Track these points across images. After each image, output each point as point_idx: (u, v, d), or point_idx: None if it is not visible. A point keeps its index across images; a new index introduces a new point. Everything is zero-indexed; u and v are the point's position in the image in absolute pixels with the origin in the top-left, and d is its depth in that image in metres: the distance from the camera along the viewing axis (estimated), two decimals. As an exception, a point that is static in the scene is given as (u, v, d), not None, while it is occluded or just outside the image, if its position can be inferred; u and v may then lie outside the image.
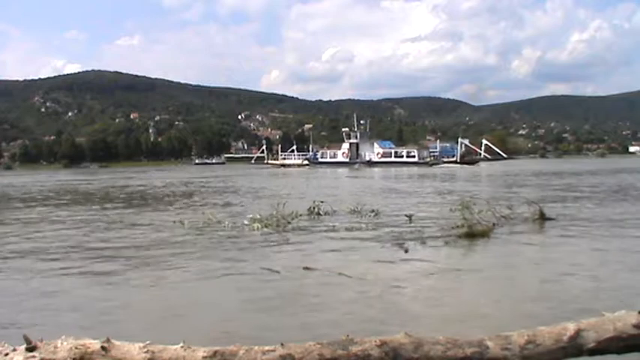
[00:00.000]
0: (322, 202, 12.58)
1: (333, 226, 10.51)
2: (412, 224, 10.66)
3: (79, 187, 32.40)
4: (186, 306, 5.37)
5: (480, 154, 64.76)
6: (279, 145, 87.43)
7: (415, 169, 52.20)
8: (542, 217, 10.76)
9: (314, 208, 12.23)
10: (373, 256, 7.70)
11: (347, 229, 10.18)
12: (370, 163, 64.49)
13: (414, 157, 64.92)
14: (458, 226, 9.34)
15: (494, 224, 9.79)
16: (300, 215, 11.65)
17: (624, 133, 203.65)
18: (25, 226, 12.32)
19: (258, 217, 11.11)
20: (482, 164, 60.01)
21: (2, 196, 26.44)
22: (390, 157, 66.02)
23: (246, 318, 4.86)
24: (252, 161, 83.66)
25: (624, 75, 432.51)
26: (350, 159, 67.70)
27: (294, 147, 76.90)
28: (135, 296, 5.84)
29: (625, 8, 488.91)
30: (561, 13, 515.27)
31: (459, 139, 66.91)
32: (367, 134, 71.97)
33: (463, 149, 65.15)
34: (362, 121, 73.16)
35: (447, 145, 69.14)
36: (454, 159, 61.84)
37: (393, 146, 72.06)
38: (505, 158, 65.68)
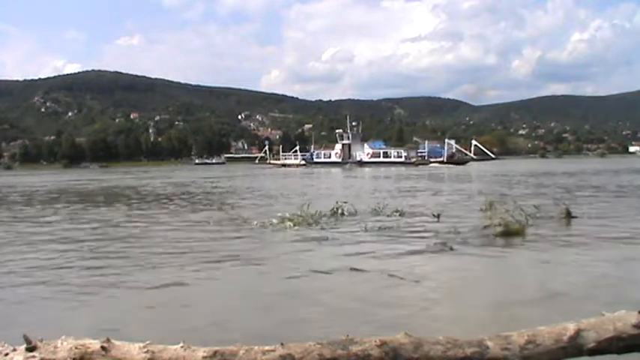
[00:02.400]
0: (345, 202, 12.54)
1: (365, 226, 10.34)
2: (441, 223, 10.62)
3: (88, 188, 32.40)
4: (252, 309, 5.12)
5: (466, 154, 66.79)
6: (280, 146, 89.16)
7: (403, 169, 54.24)
8: (569, 216, 10.92)
9: (337, 208, 12.19)
10: (418, 255, 7.53)
11: (380, 229, 10.04)
12: (361, 163, 67.01)
13: (401, 157, 68.11)
14: (493, 225, 9.26)
15: (524, 223, 9.74)
16: (324, 215, 11.58)
17: (624, 133, 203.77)
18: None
19: (288, 216, 10.97)
20: (472, 164, 61.13)
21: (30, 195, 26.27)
22: (379, 157, 68.73)
23: (318, 320, 4.63)
24: (257, 161, 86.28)
25: (624, 75, 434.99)
26: (342, 159, 70.29)
27: (297, 147, 79.04)
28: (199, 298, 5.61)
29: (625, 8, 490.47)
30: (562, 13, 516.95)
31: (446, 140, 69.27)
32: (360, 135, 74.61)
33: (453, 149, 67.25)
34: (354, 123, 75.76)
35: (437, 145, 70.82)
36: (441, 159, 63.80)
37: (383, 147, 74.86)
38: (493, 158, 67.97)
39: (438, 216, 11.30)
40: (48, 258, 7.87)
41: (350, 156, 70.50)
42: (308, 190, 24.21)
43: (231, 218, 11.36)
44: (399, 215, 11.78)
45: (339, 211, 12.10)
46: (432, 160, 64.25)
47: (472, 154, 66.28)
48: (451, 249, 7.80)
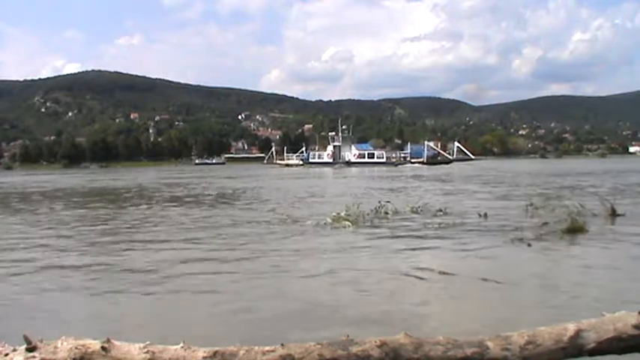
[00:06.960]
0: (388, 201, 12.59)
1: (424, 224, 10.28)
2: (490, 221, 10.59)
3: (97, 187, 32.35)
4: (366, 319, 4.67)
5: (446, 155, 72.70)
6: (284, 147, 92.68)
7: (384, 169, 60.03)
8: (614, 214, 11.01)
9: (380, 207, 12.24)
10: (498, 255, 7.31)
11: (440, 227, 9.96)
12: (349, 164, 74.08)
13: (382, 158, 75.83)
14: (553, 222, 9.36)
15: (584, 221, 9.73)
16: (368, 214, 11.56)
17: (624, 133, 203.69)
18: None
19: (342, 215, 10.93)
20: (451, 165, 64.60)
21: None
22: (364, 158, 76.30)
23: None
24: (265, 161, 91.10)
25: (625, 75, 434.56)
26: (333, 160, 77.23)
27: (304, 148, 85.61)
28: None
29: (627, 8, 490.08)
30: (563, 13, 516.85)
31: (425, 142, 77.03)
32: (351, 137, 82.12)
33: (437, 151, 74.56)
34: (344, 127, 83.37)
35: (421, 147, 76.45)
36: (422, 160, 70.11)
37: (370, 148, 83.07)
38: (472, 159, 73.21)
39: (485, 215, 11.27)
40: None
41: (340, 157, 77.26)
42: (328, 190, 24.61)
43: (282, 218, 11.39)
44: (443, 214, 11.76)
45: (383, 210, 12.14)
46: (412, 160, 70.82)
47: (454, 155, 72.21)
48: (529, 245, 7.77)
